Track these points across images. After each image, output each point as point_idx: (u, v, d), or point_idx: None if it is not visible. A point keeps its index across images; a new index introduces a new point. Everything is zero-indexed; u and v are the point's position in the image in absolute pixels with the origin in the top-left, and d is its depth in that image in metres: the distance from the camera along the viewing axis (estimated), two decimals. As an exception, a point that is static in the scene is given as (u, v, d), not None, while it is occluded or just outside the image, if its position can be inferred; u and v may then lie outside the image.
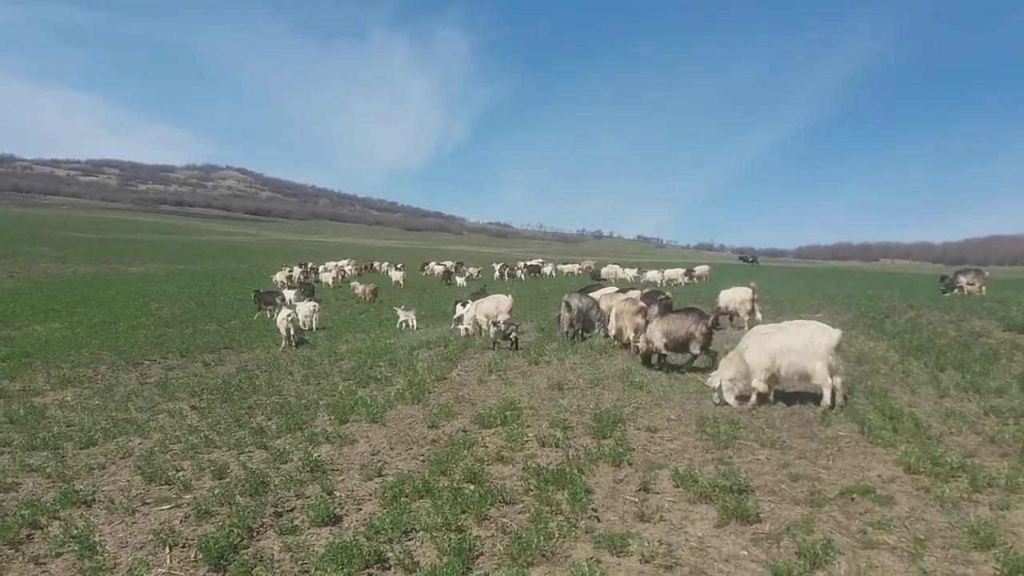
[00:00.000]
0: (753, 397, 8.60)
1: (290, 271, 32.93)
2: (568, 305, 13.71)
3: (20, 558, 5.00)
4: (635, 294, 13.61)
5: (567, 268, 45.99)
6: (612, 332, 12.60)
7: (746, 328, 12.66)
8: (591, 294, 14.88)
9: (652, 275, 38.27)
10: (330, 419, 8.67)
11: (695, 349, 10.34)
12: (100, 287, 29.33)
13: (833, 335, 8.33)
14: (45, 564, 4.94)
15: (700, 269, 42.03)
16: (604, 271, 42.01)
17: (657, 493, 5.87)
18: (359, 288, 27.39)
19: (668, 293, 15.24)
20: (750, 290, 14.43)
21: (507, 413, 8.29)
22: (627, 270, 43.08)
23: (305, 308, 18.82)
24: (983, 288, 24.56)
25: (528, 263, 44.94)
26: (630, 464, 6.57)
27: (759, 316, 14.38)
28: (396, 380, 10.78)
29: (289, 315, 15.26)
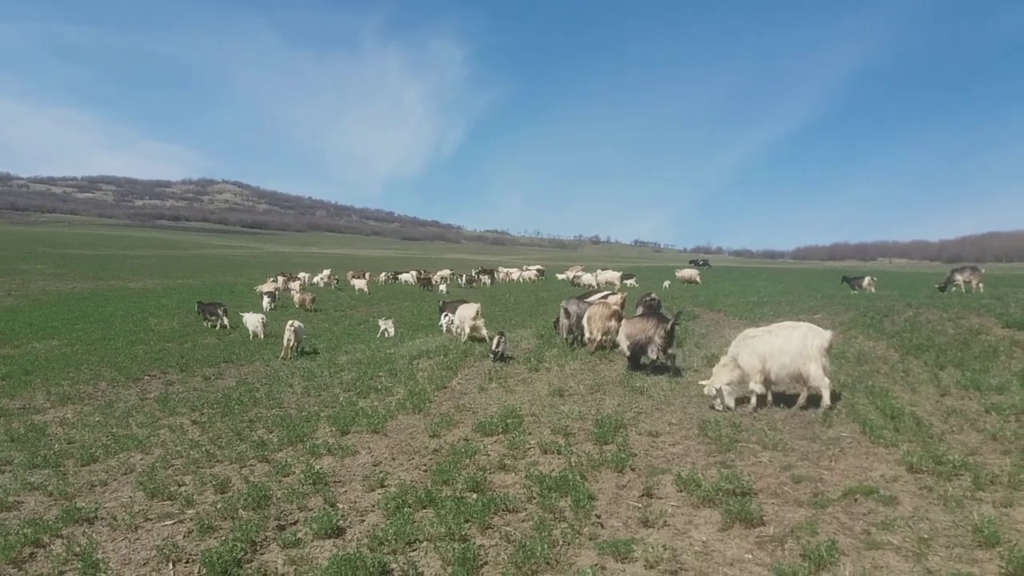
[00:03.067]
0: (753, 400, 8.62)
1: (275, 282, 33.22)
2: (567, 311, 13.73)
3: (23, 577, 4.97)
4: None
5: (527, 274, 48.22)
6: (586, 335, 12.76)
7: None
8: (587, 299, 14.90)
9: (587, 278, 38.63)
10: (331, 431, 8.66)
11: (652, 352, 10.62)
12: (98, 303, 29.29)
13: (824, 336, 8.33)
14: (48, 583, 4.91)
15: (688, 272, 42.47)
16: (571, 275, 42.69)
17: (660, 498, 5.87)
18: (296, 297, 27.94)
19: (654, 294, 15.94)
20: (620, 296, 15.87)
21: (508, 421, 8.29)
22: (565, 272, 45.28)
23: (253, 319, 19.03)
24: (980, 285, 24.66)
25: (479, 269, 48.30)
26: (633, 469, 6.57)
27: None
28: (397, 390, 10.77)
29: (292, 324, 15.38)
